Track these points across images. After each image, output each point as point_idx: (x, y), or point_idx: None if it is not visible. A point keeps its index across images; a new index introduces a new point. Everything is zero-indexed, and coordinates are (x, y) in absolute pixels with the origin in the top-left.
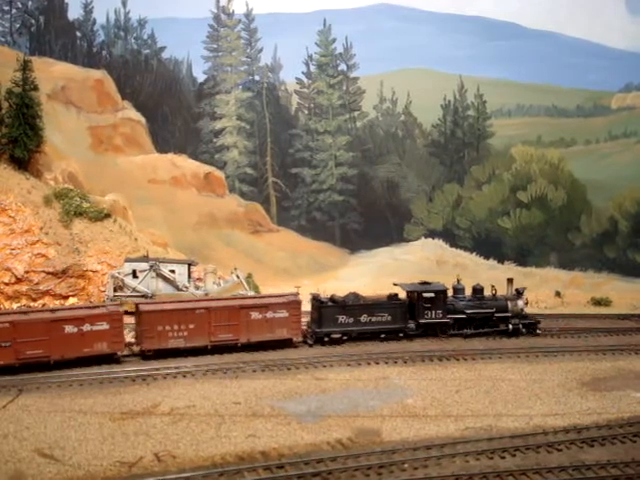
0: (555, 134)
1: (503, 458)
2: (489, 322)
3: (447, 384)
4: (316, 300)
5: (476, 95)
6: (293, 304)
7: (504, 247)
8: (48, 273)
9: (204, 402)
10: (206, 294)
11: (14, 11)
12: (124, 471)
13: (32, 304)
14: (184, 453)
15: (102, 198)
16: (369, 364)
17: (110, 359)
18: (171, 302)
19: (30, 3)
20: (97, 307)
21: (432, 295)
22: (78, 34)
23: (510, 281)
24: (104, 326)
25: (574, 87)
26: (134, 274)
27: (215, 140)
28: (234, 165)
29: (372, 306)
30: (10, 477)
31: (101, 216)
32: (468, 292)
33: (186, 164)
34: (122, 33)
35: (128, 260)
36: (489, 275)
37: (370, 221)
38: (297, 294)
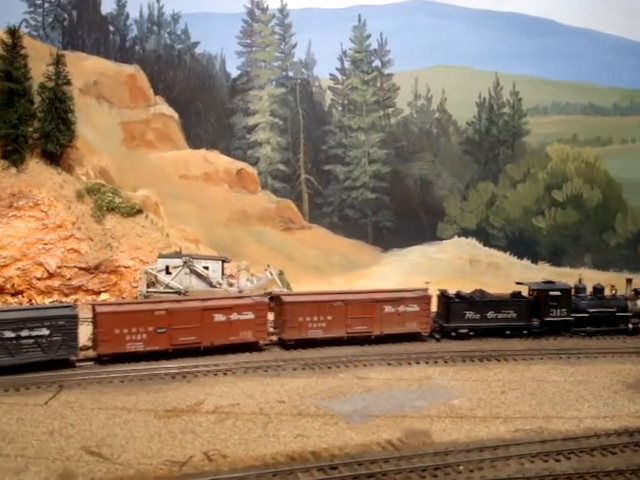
0: (591, 132)
1: (558, 461)
2: (609, 321)
3: (491, 385)
4: (444, 296)
5: (511, 92)
6: (424, 299)
7: (538, 247)
8: (80, 269)
9: (248, 400)
10: (240, 291)
11: (47, 5)
12: (175, 470)
13: (64, 300)
14: (234, 452)
15: (134, 194)
16: (409, 364)
17: (254, 347)
18: (310, 294)
19: None
20: (243, 297)
21: (558, 294)
22: (111, 28)
23: (629, 282)
24: (250, 315)
25: (611, 85)
26: (167, 270)
27: (248, 136)
28: (267, 161)
29: (499, 303)
30: (60, 475)
31: (133, 212)
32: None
33: (218, 160)
34: (155, 28)
35: (161, 256)
36: (522, 275)
37: (403, 219)
38: (427, 289)
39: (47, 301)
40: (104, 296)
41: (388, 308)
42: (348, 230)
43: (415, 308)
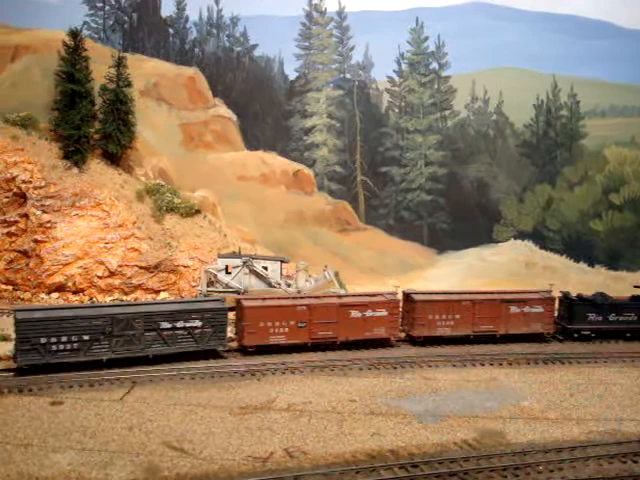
0: None
1: (636, 462)
2: None
3: (558, 387)
4: (567, 298)
5: (569, 95)
6: (548, 300)
7: (595, 250)
8: (141, 267)
9: (319, 399)
10: (298, 291)
11: (107, 8)
12: (258, 466)
13: (124, 298)
14: (313, 449)
15: (192, 194)
16: (474, 365)
17: (385, 343)
18: (439, 293)
19: (123, 0)
20: (377, 295)
21: None
22: (171, 31)
23: None
24: (383, 313)
25: None
26: (226, 270)
27: (305, 138)
28: (323, 163)
29: (620, 306)
30: (145, 469)
31: (192, 212)
32: None
33: (275, 161)
34: (214, 30)
35: (221, 256)
36: (579, 278)
37: (459, 221)
38: (550, 291)
39: (108, 299)
40: (163, 295)
41: (514, 308)
42: (403, 232)
43: (539, 309)
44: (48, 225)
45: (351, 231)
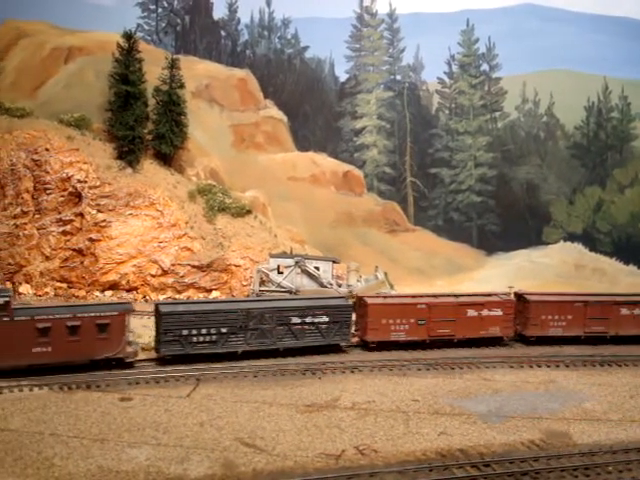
0: None
1: None
2: None
3: (618, 389)
4: None
5: (620, 97)
6: None
7: None
8: (193, 266)
9: (382, 398)
10: (350, 292)
11: (160, 10)
12: (332, 463)
13: (177, 296)
14: (383, 447)
15: (243, 194)
16: (531, 367)
17: (498, 342)
18: (552, 294)
19: (176, 2)
20: (492, 295)
21: None
22: (222, 33)
23: None
24: (498, 312)
25: None
26: (278, 270)
27: (355, 139)
28: (373, 164)
29: None
30: (222, 465)
31: (243, 212)
32: None
33: (325, 162)
34: (266, 32)
35: (273, 256)
36: (629, 281)
37: (508, 223)
38: None
39: (161, 298)
40: (215, 294)
41: (624, 310)
42: (452, 233)
43: None
44: (103, 224)
45: (400, 232)
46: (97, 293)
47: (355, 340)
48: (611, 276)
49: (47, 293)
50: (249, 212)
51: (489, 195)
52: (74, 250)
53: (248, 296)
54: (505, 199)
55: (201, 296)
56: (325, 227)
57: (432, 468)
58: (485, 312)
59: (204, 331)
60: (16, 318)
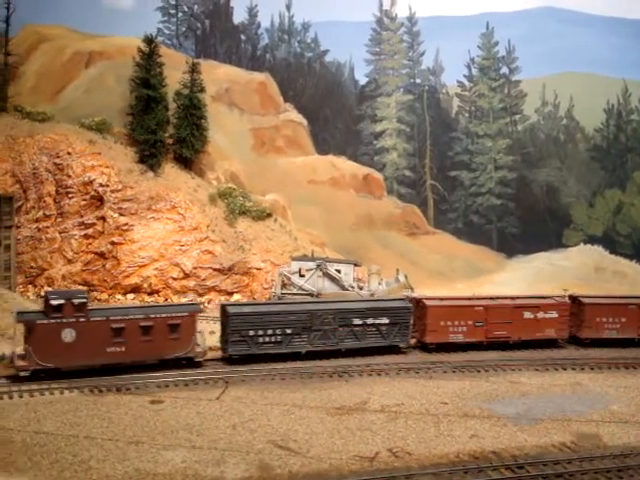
0: None
1: None
2: None
3: None
4: None
5: None
6: None
7: None
8: (214, 269)
9: (411, 401)
10: (371, 294)
11: (180, 15)
12: (366, 465)
13: (198, 299)
14: (417, 450)
15: (263, 198)
16: (556, 370)
17: (554, 344)
18: (606, 297)
19: (196, 7)
20: (547, 297)
21: None
22: (242, 37)
23: None
24: (554, 314)
25: None
26: (299, 273)
27: (375, 142)
28: (393, 167)
29: None
30: (258, 467)
31: (263, 215)
32: None
33: (345, 165)
34: (286, 36)
35: (295, 259)
36: None
37: (528, 225)
38: None
39: (183, 301)
40: (236, 297)
41: None
42: (472, 236)
43: None
44: (125, 227)
45: (420, 235)
46: (119, 296)
47: (412, 342)
48: (631, 279)
49: None
50: (269, 215)
51: (509, 198)
52: (96, 253)
53: (269, 299)
54: (525, 202)
55: (222, 299)
56: (345, 230)
57: (467, 470)
58: (541, 314)
59: (270, 332)
60: (92, 319)
